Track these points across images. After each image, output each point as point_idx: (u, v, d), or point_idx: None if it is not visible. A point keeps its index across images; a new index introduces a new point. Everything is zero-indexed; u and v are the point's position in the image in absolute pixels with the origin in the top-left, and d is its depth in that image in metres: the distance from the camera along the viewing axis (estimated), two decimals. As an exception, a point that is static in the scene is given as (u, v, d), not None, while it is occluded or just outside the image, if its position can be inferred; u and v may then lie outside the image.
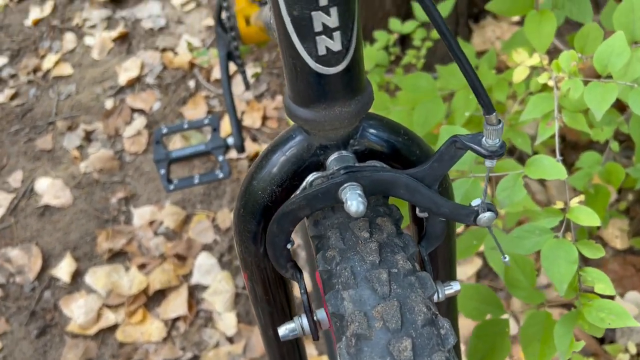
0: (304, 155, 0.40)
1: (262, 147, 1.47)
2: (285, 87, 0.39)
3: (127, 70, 1.65)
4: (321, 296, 0.43)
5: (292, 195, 0.40)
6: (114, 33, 1.73)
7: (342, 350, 0.36)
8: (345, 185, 0.37)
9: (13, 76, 1.71)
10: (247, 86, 1.20)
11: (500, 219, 1.00)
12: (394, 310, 0.35)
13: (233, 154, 1.40)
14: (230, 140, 1.09)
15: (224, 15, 1.11)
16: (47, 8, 1.83)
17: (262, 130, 1.49)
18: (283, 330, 0.44)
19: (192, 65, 1.62)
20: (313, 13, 0.32)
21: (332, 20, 0.32)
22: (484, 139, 0.36)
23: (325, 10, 0.32)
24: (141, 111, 1.58)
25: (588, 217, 0.55)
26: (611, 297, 0.57)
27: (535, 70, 0.81)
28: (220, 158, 1.08)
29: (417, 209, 0.42)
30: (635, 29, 0.69)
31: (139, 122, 1.55)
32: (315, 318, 0.44)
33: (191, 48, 1.58)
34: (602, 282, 0.54)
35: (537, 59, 0.72)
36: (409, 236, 0.41)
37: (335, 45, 0.33)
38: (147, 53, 1.68)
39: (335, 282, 0.38)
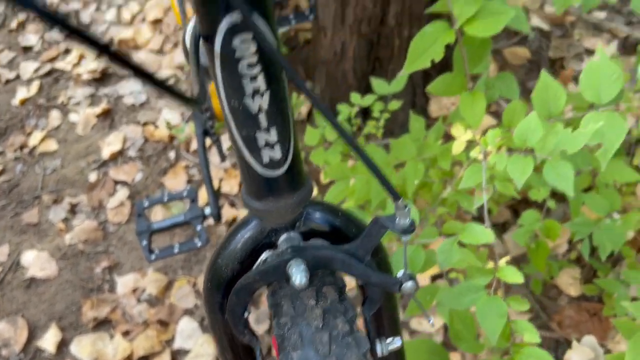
0: (258, 237, 0.49)
1: (240, 212, 1.56)
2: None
3: (110, 145, 1.74)
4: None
5: (249, 271, 0.49)
6: (98, 109, 1.83)
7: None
8: (291, 262, 0.46)
9: (0, 153, 1.79)
10: (223, 158, 1.29)
11: (461, 273, 1.09)
12: None
13: (212, 221, 1.48)
14: (208, 210, 1.17)
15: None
16: (34, 88, 1.94)
17: (239, 196, 1.58)
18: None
19: (171, 137, 1.72)
20: (257, 133, 0.41)
21: (272, 137, 0.42)
22: (397, 219, 0.45)
23: (267, 130, 0.41)
24: (124, 183, 1.66)
25: (513, 276, 0.64)
26: (539, 345, 0.65)
27: (472, 142, 0.92)
28: (199, 227, 1.16)
29: (357, 279, 0.51)
30: (550, 105, 0.81)
31: (122, 193, 1.63)
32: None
33: (170, 127, 1.69)
34: (529, 332, 0.63)
35: (470, 135, 0.83)
36: (350, 302, 0.50)
37: (276, 154, 0.43)
38: (129, 127, 1.78)
39: (287, 345, 0.46)
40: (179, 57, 1.92)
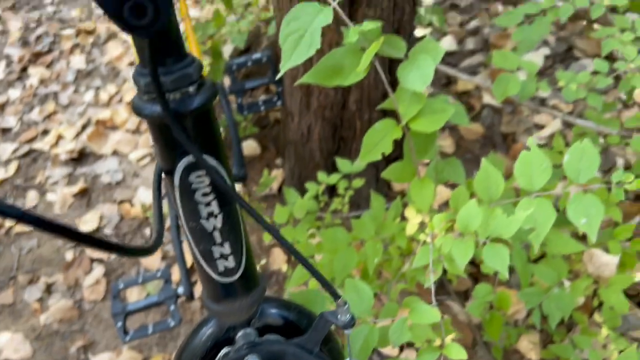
0: (218, 334, 0.55)
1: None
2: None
3: (87, 223, 1.79)
4: None
5: None
6: (75, 189, 1.89)
7: None
8: (247, 357, 0.52)
9: (-24, 235, 1.82)
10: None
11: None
12: None
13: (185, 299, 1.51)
14: (181, 289, 1.22)
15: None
16: (12, 168, 1.99)
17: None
18: None
19: (146, 218, 1.78)
20: (213, 247, 0.48)
21: (226, 250, 0.48)
22: (339, 315, 0.51)
23: (220, 244, 0.48)
24: (100, 260, 1.70)
25: (458, 353, 0.71)
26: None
27: (424, 224, 1.00)
28: (172, 307, 1.20)
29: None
30: (490, 192, 0.89)
31: (98, 271, 1.66)
32: None
33: (145, 209, 1.75)
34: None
35: (420, 218, 0.91)
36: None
37: (230, 264, 0.49)
38: (106, 206, 1.83)
39: None
40: (154, 135, 2.00)
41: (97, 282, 1.64)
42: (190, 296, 1.24)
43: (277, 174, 1.75)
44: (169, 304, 1.20)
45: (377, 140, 0.91)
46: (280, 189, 1.72)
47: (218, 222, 0.47)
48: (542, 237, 0.81)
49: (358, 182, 1.35)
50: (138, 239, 1.73)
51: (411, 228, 0.94)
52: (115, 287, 1.24)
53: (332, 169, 1.50)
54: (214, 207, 0.46)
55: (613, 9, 1.30)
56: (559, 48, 1.87)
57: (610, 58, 1.25)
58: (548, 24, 1.25)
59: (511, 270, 1.28)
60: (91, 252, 1.71)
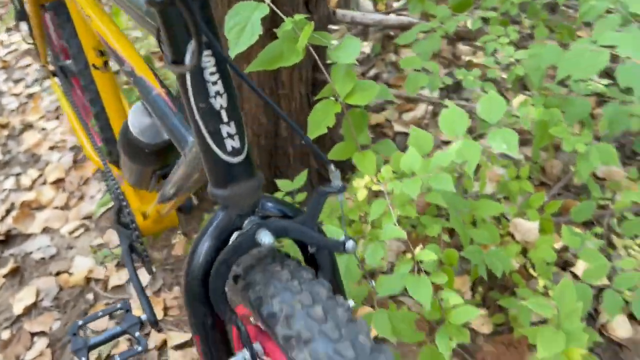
0: (227, 225, 0.61)
1: (169, 336, 1.56)
2: (208, 184, 0.61)
3: (22, 300, 1.70)
4: (248, 332, 0.60)
5: (224, 248, 0.60)
6: (4, 270, 1.81)
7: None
8: (258, 230, 0.59)
9: None
10: (150, 272, 1.36)
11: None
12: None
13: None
14: (144, 317, 1.21)
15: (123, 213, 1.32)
16: None
17: (165, 320, 1.60)
18: (235, 361, 0.60)
19: (88, 280, 1.73)
20: (221, 126, 0.56)
21: (232, 129, 0.57)
22: (332, 183, 0.60)
23: (228, 124, 0.56)
24: (41, 333, 1.61)
25: (428, 256, 0.80)
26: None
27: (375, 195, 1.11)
28: (137, 334, 1.18)
29: (309, 247, 0.64)
30: (455, 128, 1.02)
31: (41, 343, 1.58)
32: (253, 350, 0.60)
33: (95, 250, 1.71)
34: (453, 297, 0.77)
35: (368, 179, 1.02)
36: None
37: (237, 143, 0.57)
38: (41, 280, 1.76)
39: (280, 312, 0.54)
40: (85, 208, 1.99)
41: (41, 354, 1.55)
42: (155, 323, 1.23)
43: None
44: (132, 332, 1.19)
45: (322, 118, 1.04)
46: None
47: (224, 101, 0.55)
48: (474, 166, 0.95)
49: (301, 196, 1.45)
50: (81, 305, 1.67)
51: (361, 194, 1.05)
52: (74, 326, 1.20)
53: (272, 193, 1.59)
54: (219, 86, 0.55)
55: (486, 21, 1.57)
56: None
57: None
58: (439, 37, 1.48)
59: (452, 234, 1.41)
60: (30, 327, 1.62)
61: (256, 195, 0.61)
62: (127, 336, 1.45)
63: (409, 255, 0.82)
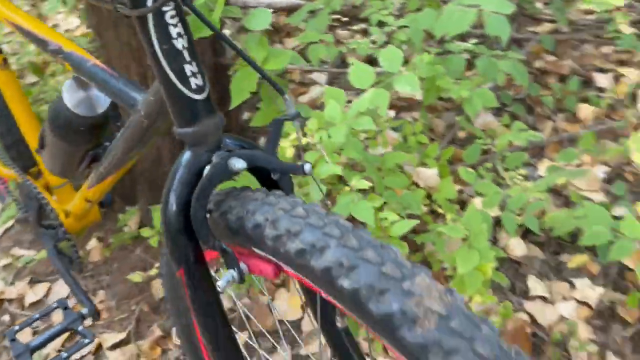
0: (197, 161, 0.66)
1: (103, 338, 1.53)
2: (173, 127, 0.66)
3: None
4: (234, 253, 0.66)
5: (201, 180, 0.65)
6: None
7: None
8: (230, 158, 0.65)
9: None
10: (81, 271, 1.33)
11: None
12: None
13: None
14: (84, 310, 1.19)
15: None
16: None
17: (96, 324, 1.56)
18: (223, 282, 0.65)
19: (1, 301, 1.64)
20: (185, 65, 0.62)
21: (194, 68, 0.62)
22: (288, 111, 0.68)
23: (190, 63, 0.62)
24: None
25: (362, 184, 0.90)
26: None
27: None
28: (80, 328, 1.16)
29: (272, 173, 0.71)
30: (339, 99, 1.13)
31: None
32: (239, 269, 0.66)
33: (16, 258, 1.62)
34: (392, 215, 0.88)
35: (293, 137, 1.11)
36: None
37: (199, 81, 0.63)
38: (-56, 312, 1.63)
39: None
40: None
41: (-39, 386, 1.44)
42: (96, 314, 1.21)
43: (133, 213, 1.78)
44: (75, 327, 1.16)
45: (242, 85, 1.11)
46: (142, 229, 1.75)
47: (185, 41, 0.61)
48: (385, 109, 1.07)
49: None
50: (-2, 327, 1.58)
51: (289, 152, 1.13)
52: (10, 332, 1.15)
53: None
54: (180, 28, 0.60)
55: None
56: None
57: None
58: (326, 15, 1.61)
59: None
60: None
61: (219, 132, 0.67)
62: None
63: (347, 188, 0.91)
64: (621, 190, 1.61)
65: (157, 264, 1.65)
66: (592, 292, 1.46)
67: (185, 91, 0.63)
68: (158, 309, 1.59)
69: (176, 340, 1.49)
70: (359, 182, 0.92)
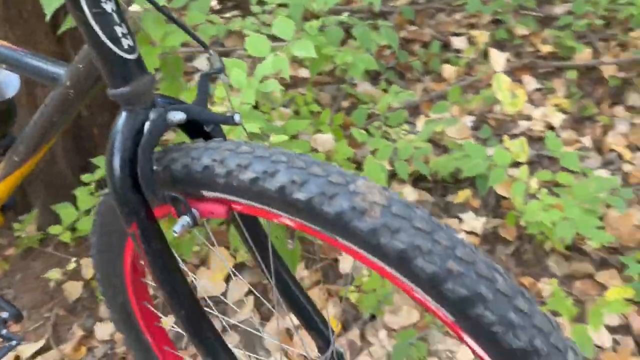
0: (135, 120, 0.70)
1: (19, 350, 1.46)
2: (107, 90, 0.69)
3: None
4: (186, 200, 0.71)
5: (142, 136, 0.69)
6: None
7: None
8: (168, 112, 0.70)
9: None
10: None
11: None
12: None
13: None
14: (5, 314, 1.15)
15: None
16: None
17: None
18: (178, 227, 0.70)
19: None
20: (116, 27, 0.65)
21: (124, 29, 0.66)
22: (212, 66, 0.74)
23: (120, 25, 0.66)
24: None
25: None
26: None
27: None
28: (4, 332, 1.12)
29: (205, 126, 0.76)
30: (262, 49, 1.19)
31: None
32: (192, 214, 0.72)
33: None
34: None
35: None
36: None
37: (130, 42, 0.67)
38: None
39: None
40: None
41: None
42: (19, 316, 1.17)
43: (30, 219, 1.70)
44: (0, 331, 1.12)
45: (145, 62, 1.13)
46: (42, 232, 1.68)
47: (113, 5, 0.64)
48: (287, 70, 1.16)
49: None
50: None
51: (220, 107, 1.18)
52: None
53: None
54: (108, -9, 0.64)
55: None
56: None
57: None
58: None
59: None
60: None
61: (152, 90, 0.71)
62: None
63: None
64: (487, 133, 1.85)
65: (74, 259, 1.61)
66: (476, 222, 1.67)
67: (118, 52, 0.66)
68: (75, 310, 1.55)
69: (102, 336, 1.47)
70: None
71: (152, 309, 1.08)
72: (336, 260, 1.58)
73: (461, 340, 0.61)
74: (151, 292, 1.10)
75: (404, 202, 0.60)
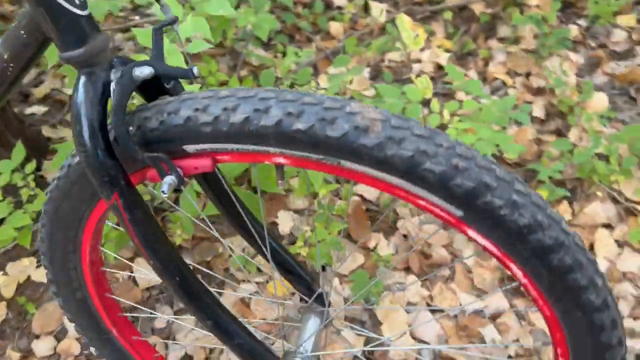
0: (97, 83, 0.65)
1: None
2: (58, 54, 0.63)
3: None
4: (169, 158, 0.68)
5: (111, 97, 0.65)
6: None
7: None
8: (134, 68, 0.66)
9: None
10: None
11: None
12: None
13: None
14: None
15: None
16: None
17: None
18: (165, 187, 0.67)
19: None
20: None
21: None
22: (166, 16, 0.71)
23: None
24: None
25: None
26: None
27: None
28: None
29: (165, 82, 0.73)
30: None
31: None
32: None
33: None
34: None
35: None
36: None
37: (82, -2, 0.62)
38: None
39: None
40: None
41: None
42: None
43: None
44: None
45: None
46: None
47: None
48: (208, 32, 1.13)
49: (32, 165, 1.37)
50: None
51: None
52: None
53: None
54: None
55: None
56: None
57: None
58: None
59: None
60: None
61: (109, 49, 0.67)
62: None
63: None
64: (389, 77, 1.93)
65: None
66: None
67: (71, 7, 0.61)
68: (4, 333, 1.40)
69: (42, 352, 1.36)
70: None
71: (114, 298, 1.02)
72: (274, 224, 1.59)
73: (466, 235, 0.66)
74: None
75: (399, 115, 0.63)
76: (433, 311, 1.44)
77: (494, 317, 1.43)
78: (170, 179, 0.68)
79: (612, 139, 1.63)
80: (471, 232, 0.65)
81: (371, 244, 1.55)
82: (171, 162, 0.68)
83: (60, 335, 1.39)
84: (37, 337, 1.39)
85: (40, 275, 1.47)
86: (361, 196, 1.66)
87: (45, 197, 0.83)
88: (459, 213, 0.63)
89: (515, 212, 0.61)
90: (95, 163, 0.65)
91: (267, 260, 0.94)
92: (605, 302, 0.65)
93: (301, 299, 0.99)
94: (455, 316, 1.42)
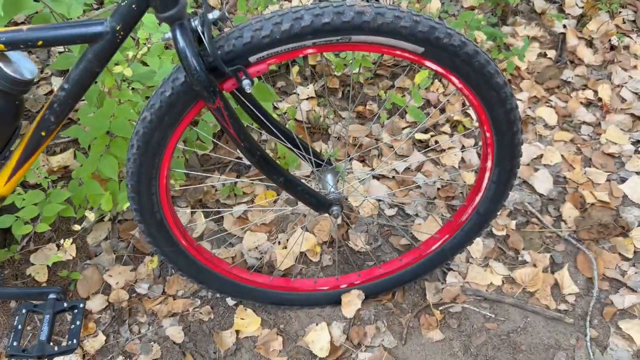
0: (188, 29, 0.99)
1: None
2: (156, 15, 0.96)
3: None
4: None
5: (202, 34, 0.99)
6: None
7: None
8: (206, 14, 1.00)
9: None
10: None
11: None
12: None
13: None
14: None
15: None
16: None
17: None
18: (247, 87, 1.04)
19: None
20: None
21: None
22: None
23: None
24: None
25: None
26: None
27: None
28: None
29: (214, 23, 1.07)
30: None
31: None
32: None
33: None
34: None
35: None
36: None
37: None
38: None
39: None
40: None
41: None
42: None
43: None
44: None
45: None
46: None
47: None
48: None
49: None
50: None
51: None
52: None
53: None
54: None
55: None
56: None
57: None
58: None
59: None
60: None
61: (186, 6, 1.00)
62: None
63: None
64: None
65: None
66: (308, 90, 2.18)
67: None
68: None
69: (96, 308, 1.60)
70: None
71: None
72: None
73: (425, 66, 1.12)
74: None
75: (379, 4, 1.07)
76: (377, 178, 1.93)
77: (418, 169, 1.96)
78: (247, 82, 1.04)
79: None
80: (428, 63, 1.12)
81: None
82: (246, 70, 1.04)
83: (106, 290, 1.63)
84: (87, 298, 1.62)
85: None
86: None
87: (135, 135, 1.13)
88: (420, 50, 1.08)
89: (450, 39, 1.08)
90: (204, 81, 0.99)
91: (296, 147, 1.33)
92: (504, 81, 1.16)
93: (317, 165, 1.39)
94: (393, 177, 1.93)
